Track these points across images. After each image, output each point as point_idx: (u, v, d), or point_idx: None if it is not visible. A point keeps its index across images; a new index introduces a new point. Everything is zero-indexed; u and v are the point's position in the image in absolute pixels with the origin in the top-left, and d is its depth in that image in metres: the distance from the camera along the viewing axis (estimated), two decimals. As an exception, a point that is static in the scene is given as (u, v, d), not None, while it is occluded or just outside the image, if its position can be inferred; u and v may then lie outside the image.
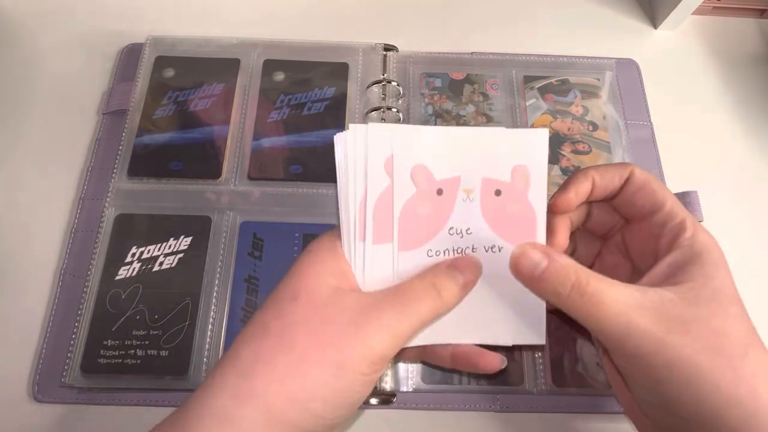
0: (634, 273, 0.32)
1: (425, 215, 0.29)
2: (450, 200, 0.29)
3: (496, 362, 0.30)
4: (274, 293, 0.28)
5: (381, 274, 0.29)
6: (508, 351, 0.38)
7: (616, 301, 0.25)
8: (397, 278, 0.29)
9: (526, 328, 0.30)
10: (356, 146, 0.28)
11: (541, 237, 0.29)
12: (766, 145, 0.48)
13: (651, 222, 0.30)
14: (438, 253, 0.29)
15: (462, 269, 0.28)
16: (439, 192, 0.29)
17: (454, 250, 0.29)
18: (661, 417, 0.27)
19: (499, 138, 0.29)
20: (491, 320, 0.30)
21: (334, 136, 0.28)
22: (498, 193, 0.29)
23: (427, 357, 0.33)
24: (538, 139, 0.29)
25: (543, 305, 0.30)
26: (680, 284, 0.26)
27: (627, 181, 0.30)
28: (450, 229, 0.29)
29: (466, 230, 0.29)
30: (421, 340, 0.30)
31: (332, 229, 0.30)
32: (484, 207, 0.29)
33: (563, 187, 0.31)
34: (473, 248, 0.29)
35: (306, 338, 0.25)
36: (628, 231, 0.32)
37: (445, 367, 0.35)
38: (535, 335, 0.30)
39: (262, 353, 0.25)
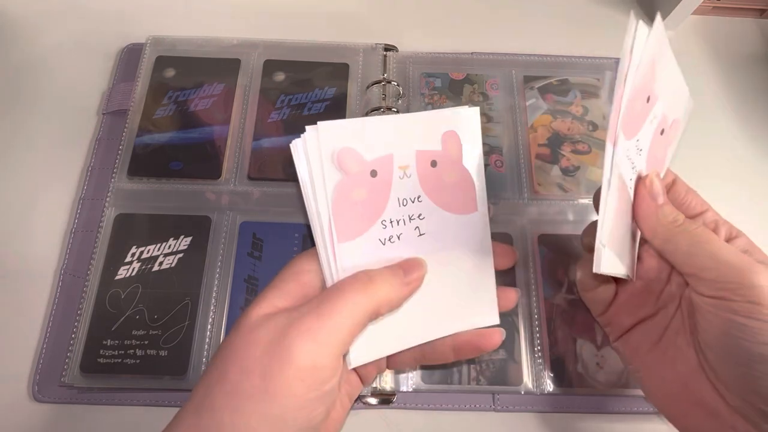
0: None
1: (362, 200, 0.29)
2: (387, 178, 0.29)
3: (497, 337, 0.31)
4: None
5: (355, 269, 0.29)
6: (509, 351, 0.38)
7: (725, 243, 0.27)
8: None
9: (480, 311, 0.31)
10: (310, 149, 0.28)
11: (481, 202, 0.30)
12: (766, 144, 0.48)
13: (703, 219, 0.31)
14: (392, 222, 0.29)
15: (405, 266, 0.28)
16: (373, 174, 0.29)
17: (408, 217, 0.29)
18: (731, 367, 0.26)
19: (429, 116, 0.30)
20: (445, 309, 0.30)
21: (290, 144, 0.28)
22: (434, 164, 0.29)
23: (426, 360, 0.32)
24: (469, 114, 0.29)
25: (493, 283, 0.30)
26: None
27: (673, 184, 0.32)
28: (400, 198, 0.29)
29: (413, 199, 0.30)
30: (388, 348, 0.30)
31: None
32: (422, 180, 0.29)
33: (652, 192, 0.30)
34: (420, 216, 0.29)
35: (234, 368, 0.25)
36: None
37: (448, 363, 0.35)
38: (489, 316, 0.31)
39: (208, 389, 0.25)
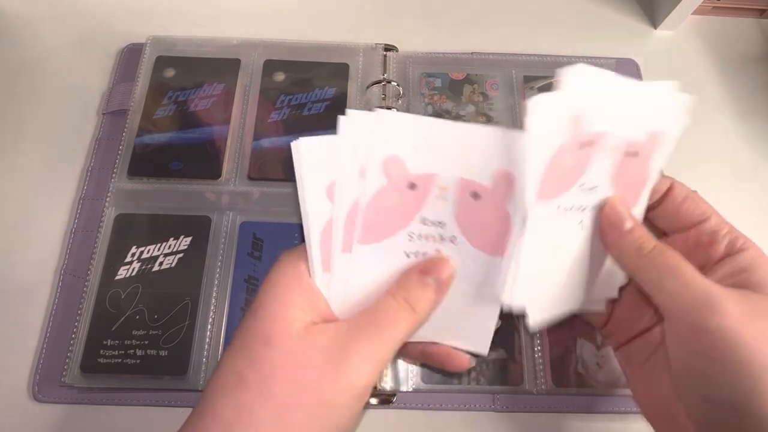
0: None
1: (395, 208, 0.28)
2: (423, 194, 0.28)
3: (465, 363, 0.30)
4: (242, 334, 0.26)
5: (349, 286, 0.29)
6: (509, 351, 0.38)
7: (696, 272, 0.25)
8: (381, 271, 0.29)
9: (472, 335, 0.30)
10: (359, 139, 0.27)
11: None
12: (765, 144, 0.48)
13: (698, 231, 0.29)
14: (418, 236, 0.29)
15: (434, 271, 0.28)
16: (411, 186, 0.28)
17: (432, 236, 0.29)
18: (699, 401, 0.26)
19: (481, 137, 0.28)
20: (441, 319, 0.30)
21: (292, 144, 0.27)
22: (475, 196, 0.28)
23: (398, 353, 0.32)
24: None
25: (494, 319, 0.29)
26: (751, 285, 0.26)
27: (669, 191, 0.30)
28: (423, 218, 0.29)
29: (440, 222, 0.29)
30: None
31: (292, 248, 0.29)
32: (457, 207, 0.28)
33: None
34: (441, 237, 0.29)
35: (285, 385, 0.25)
36: (671, 242, 0.30)
37: (415, 363, 0.37)
38: (480, 346, 0.30)
39: (242, 406, 0.25)
